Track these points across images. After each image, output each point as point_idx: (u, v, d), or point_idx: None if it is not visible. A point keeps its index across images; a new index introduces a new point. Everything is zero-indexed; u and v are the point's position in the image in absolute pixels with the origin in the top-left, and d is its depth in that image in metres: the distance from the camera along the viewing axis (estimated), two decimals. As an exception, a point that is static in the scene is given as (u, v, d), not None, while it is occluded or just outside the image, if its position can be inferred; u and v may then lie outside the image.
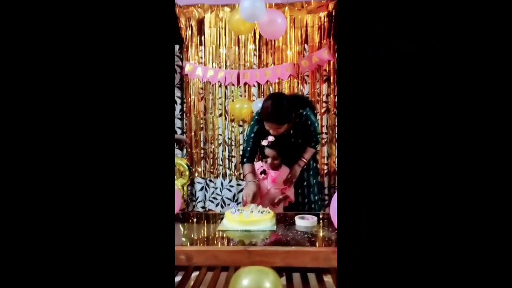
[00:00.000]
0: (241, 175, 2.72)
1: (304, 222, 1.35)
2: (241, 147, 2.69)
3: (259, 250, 1.09)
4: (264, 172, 1.79)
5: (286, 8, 2.67)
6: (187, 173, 1.64)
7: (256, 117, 1.83)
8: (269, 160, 1.75)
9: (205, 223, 1.53)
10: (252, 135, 1.83)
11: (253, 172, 1.79)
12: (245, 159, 1.83)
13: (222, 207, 2.89)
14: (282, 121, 1.65)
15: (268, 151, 1.75)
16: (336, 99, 2.73)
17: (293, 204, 1.85)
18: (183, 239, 1.27)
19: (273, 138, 1.72)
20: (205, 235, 1.35)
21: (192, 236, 1.34)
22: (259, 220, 1.33)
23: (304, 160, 1.83)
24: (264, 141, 1.76)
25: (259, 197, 1.73)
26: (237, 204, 2.70)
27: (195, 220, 1.60)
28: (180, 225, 1.44)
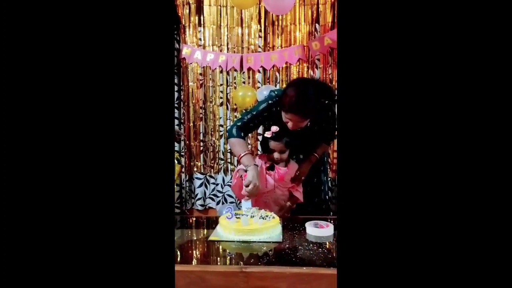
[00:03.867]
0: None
1: (318, 231, 1.09)
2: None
3: (260, 272, 0.83)
4: (272, 167, 1.51)
5: (295, -18, 2.37)
6: (176, 168, 1.38)
7: (275, 99, 1.46)
8: (275, 154, 1.47)
9: (196, 229, 1.27)
10: (265, 114, 1.46)
11: (248, 151, 1.43)
12: (242, 133, 1.47)
13: (223, 205, 2.64)
14: (308, 113, 1.35)
15: (273, 144, 1.46)
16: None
17: (301, 204, 1.58)
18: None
19: (277, 128, 1.43)
20: (192, 247, 1.09)
21: (175, 248, 1.08)
22: (261, 229, 1.06)
23: (316, 156, 1.55)
24: (267, 132, 1.45)
25: (259, 191, 1.39)
26: (238, 204, 2.46)
27: (188, 223, 1.34)
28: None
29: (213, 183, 2.65)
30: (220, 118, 2.61)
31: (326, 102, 1.46)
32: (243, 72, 2.54)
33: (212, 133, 2.63)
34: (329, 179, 1.75)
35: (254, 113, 1.50)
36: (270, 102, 1.49)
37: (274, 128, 1.43)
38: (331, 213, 1.82)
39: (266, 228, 1.07)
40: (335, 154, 2.48)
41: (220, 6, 2.50)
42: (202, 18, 2.53)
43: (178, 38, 2.56)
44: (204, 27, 2.53)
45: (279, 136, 1.43)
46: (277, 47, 2.50)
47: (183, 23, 2.54)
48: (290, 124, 1.37)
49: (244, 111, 2.58)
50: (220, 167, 2.65)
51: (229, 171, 2.64)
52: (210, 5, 2.50)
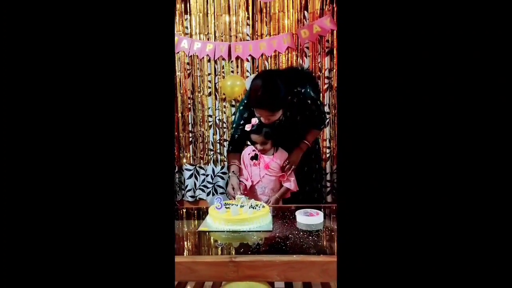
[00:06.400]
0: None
1: (307, 219, 1.08)
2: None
3: (250, 261, 0.82)
4: (255, 157, 1.50)
5: (283, -31, 2.32)
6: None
7: (245, 100, 1.51)
8: (258, 146, 1.46)
9: (187, 220, 1.25)
10: (242, 122, 1.51)
11: (235, 162, 1.52)
12: (230, 147, 1.56)
13: (214, 196, 2.62)
14: (276, 107, 1.32)
15: (254, 137, 1.45)
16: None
17: (293, 192, 1.57)
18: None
19: (257, 121, 1.41)
20: (182, 238, 1.07)
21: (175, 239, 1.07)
22: (251, 218, 1.05)
23: (307, 143, 1.53)
24: (247, 126, 1.44)
25: (245, 189, 1.46)
26: (228, 195, 2.44)
27: (179, 215, 1.32)
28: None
29: (203, 174, 2.63)
30: (209, 108, 2.57)
31: (303, 90, 1.43)
32: (231, 61, 2.50)
33: (201, 123, 2.59)
34: (320, 167, 1.75)
35: (235, 125, 1.56)
36: (241, 108, 1.53)
37: (254, 121, 1.42)
38: (323, 201, 1.83)
39: (256, 218, 1.06)
40: (325, 143, 2.48)
41: (207, -7, 2.44)
42: (188, 5, 2.46)
43: (163, 26, 2.49)
44: (190, 14, 2.47)
45: (258, 128, 1.42)
46: (266, 35, 2.46)
47: (169, 11, 2.47)
48: (262, 119, 1.36)
49: (233, 101, 2.56)
50: (209, 158, 2.62)
51: (219, 162, 2.61)
52: (196, -8, 2.43)
